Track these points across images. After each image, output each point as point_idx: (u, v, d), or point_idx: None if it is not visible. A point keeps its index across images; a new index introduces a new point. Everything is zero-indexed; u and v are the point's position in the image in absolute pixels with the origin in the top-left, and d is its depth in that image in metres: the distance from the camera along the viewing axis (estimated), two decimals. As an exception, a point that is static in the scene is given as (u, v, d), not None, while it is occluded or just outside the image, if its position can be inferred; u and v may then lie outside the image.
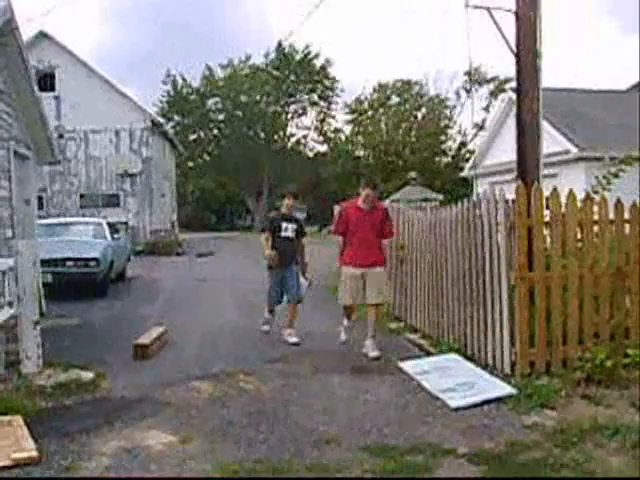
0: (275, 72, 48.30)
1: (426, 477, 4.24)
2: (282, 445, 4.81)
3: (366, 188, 7.79)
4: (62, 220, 17.81)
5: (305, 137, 52.97)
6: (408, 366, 6.87)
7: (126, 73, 70.81)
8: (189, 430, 5.15)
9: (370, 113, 46.45)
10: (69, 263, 12.61)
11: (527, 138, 7.14)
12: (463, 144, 45.12)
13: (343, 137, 47.92)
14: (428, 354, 7.52)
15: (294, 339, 8.34)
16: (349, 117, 48.28)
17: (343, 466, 4.37)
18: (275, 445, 4.82)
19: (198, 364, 7.32)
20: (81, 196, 27.24)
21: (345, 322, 8.20)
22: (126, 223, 25.31)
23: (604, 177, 7.54)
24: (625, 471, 4.19)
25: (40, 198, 24.46)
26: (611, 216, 6.68)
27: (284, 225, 8.61)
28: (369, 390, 6.17)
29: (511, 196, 6.33)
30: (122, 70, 68.87)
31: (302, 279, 8.79)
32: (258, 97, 48.12)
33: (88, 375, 6.62)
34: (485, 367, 6.64)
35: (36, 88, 10.53)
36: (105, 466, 4.47)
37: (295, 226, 8.72)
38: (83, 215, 24.22)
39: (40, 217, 15.50)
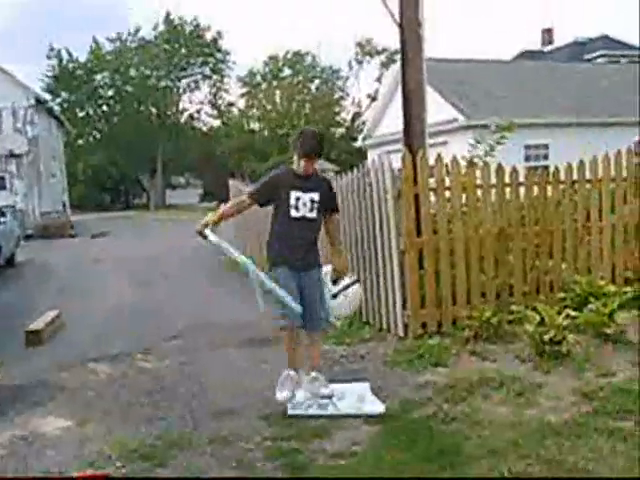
0: (165, 45, 47.24)
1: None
2: (182, 420, 4.82)
3: None
4: (-58, 206, 16.93)
5: (198, 112, 52.36)
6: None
7: (5, 49, 67.32)
8: (86, 413, 5.07)
9: (263, 86, 46.21)
10: (-49, 251, 12.04)
11: (413, 107, 7.31)
12: (357, 115, 45.65)
13: (237, 111, 47.46)
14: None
15: (325, 391, 4.99)
16: (242, 90, 47.89)
17: (243, 436, 4.44)
18: (175, 421, 4.81)
19: (95, 346, 7.18)
20: (-37, 180, 25.91)
21: None
22: (14, 206, 24.30)
23: (488, 144, 7.80)
24: (509, 417, 4.45)
25: None
26: (493, 181, 6.97)
27: (294, 196, 4.88)
28: (267, 360, 6.20)
29: (399, 164, 6.50)
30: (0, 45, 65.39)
31: (331, 287, 5.14)
32: (148, 72, 46.99)
33: (-23, 366, 6.37)
34: (380, 331, 6.84)
35: None
36: (-1, 456, 4.36)
37: (317, 195, 4.94)
38: (-34, 200, 23.09)
39: None
